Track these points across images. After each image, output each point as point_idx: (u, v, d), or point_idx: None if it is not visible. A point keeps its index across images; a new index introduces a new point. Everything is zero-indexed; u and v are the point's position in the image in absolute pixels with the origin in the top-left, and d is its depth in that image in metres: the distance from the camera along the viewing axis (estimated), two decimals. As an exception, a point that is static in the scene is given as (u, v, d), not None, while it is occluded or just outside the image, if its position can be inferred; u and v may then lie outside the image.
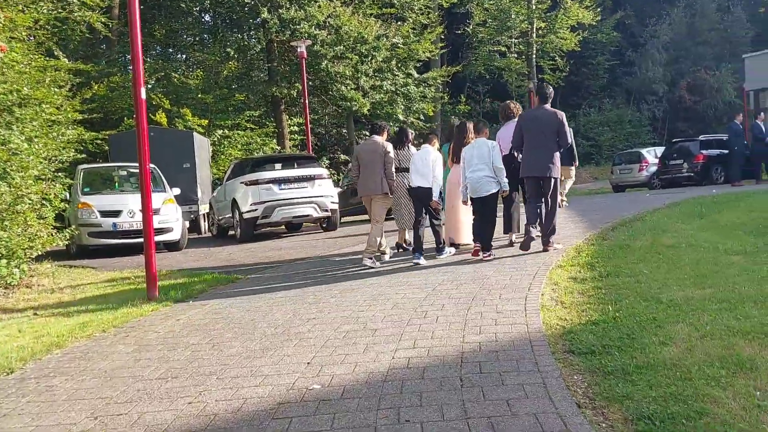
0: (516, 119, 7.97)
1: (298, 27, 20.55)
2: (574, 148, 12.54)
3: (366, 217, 18.03)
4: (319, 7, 20.95)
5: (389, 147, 8.23)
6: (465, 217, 8.27)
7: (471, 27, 31.68)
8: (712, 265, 6.00)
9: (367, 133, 28.30)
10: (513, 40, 31.32)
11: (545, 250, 7.37)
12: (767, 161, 17.03)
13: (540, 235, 7.48)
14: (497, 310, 5.08)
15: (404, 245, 9.03)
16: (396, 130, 9.36)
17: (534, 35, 29.66)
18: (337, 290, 6.67)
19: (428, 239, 8.27)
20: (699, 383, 3.36)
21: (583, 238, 8.02)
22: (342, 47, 21.52)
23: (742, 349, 3.81)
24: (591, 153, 34.59)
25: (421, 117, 25.78)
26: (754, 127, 16.54)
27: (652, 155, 23.07)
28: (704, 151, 20.47)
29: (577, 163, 14.00)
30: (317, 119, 27.01)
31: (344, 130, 28.56)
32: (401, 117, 25.13)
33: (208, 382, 4.04)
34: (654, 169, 22.30)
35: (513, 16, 30.36)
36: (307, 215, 13.91)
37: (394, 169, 8.21)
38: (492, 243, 7.61)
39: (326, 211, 13.94)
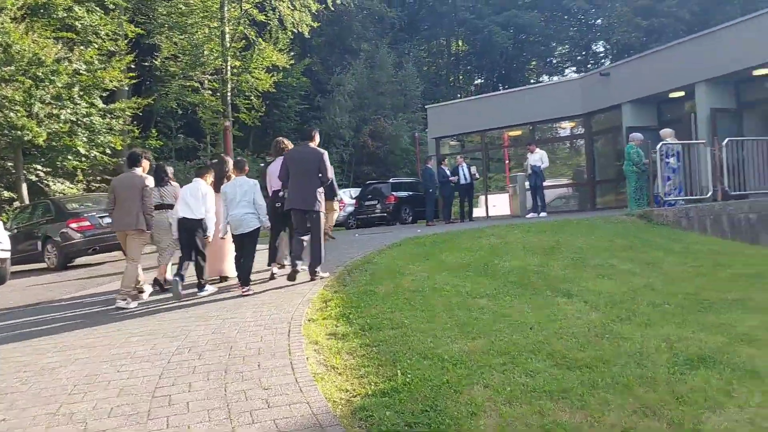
0: None
1: (-50, 41, 16.95)
2: (335, 183, 12.49)
3: (42, 265, 15.38)
4: (-21, 20, 17.58)
5: (149, 181, 7.96)
6: (231, 249, 8.41)
7: (159, 60, 29.83)
8: (466, 311, 5.81)
9: (39, 167, 25.01)
10: (207, 76, 30.27)
11: (312, 279, 7.71)
12: (450, 201, 18.63)
13: (305, 268, 7.87)
14: (263, 386, 4.10)
15: (163, 283, 8.41)
16: (154, 167, 8.83)
17: (229, 73, 28.99)
18: (28, 371, 4.93)
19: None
20: (545, 467, 2.87)
21: (322, 284, 7.41)
22: (12, 68, 18.31)
23: (556, 414, 3.48)
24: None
25: (107, 151, 23.32)
26: (440, 171, 18.02)
27: (347, 196, 24.14)
28: (395, 193, 22.00)
29: (339, 196, 14.09)
30: (-29, 150, 22.67)
31: (9, 163, 24.43)
32: (82, 150, 22.39)
33: None
34: (351, 209, 23.32)
35: (206, 53, 29.38)
36: (-34, 268, 11.13)
37: (153, 204, 7.94)
38: (251, 278, 7.66)
39: (-7, 261, 11.33)
